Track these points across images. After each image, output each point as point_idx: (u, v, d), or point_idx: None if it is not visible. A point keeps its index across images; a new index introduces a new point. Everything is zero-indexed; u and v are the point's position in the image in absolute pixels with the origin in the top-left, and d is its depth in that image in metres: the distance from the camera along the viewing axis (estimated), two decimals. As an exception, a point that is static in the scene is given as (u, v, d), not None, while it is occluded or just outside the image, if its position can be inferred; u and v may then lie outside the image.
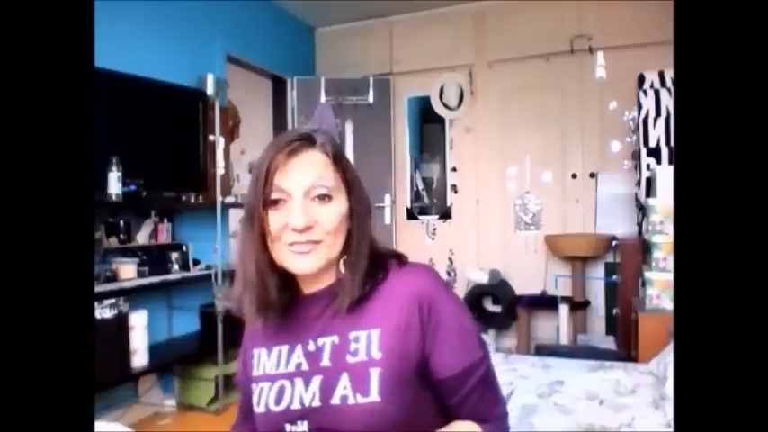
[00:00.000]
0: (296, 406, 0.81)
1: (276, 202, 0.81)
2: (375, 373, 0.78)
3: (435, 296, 0.83)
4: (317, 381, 0.81)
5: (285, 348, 0.87)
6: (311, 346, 0.84)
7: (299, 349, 0.85)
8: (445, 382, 0.82)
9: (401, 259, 0.88)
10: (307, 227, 0.79)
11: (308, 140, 0.83)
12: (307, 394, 0.81)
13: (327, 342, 0.83)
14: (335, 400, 0.79)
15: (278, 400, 0.83)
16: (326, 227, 0.80)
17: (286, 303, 0.87)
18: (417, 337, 0.81)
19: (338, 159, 0.83)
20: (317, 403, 0.80)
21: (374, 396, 0.77)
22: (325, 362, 0.82)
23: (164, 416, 3.12)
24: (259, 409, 0.86)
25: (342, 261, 0.84)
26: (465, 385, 0.83)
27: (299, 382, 0.83)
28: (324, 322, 0.84)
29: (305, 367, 0.83)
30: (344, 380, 0.79)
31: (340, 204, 0.82)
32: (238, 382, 0.97)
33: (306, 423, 0.80)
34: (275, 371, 0.86)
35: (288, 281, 0.86)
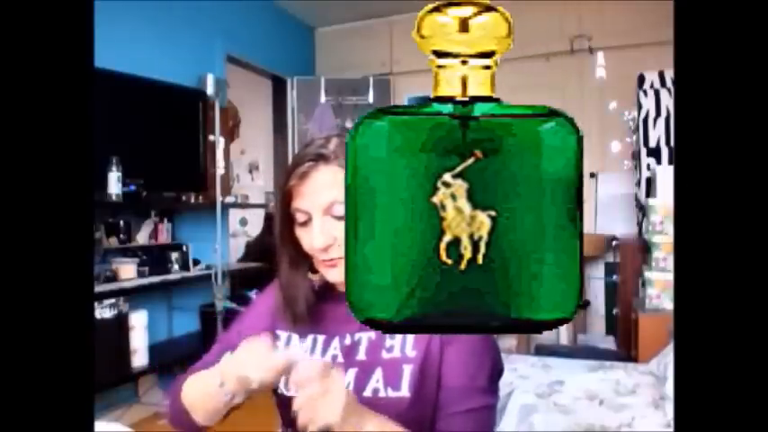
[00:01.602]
0: None
1: (304, 222, 0.83)
2: (407, 370, 0.81)
3: None
4: (351, 373, 0.84)
5: (321, 338, 0.89)
6: (347, 340, 0.87)
7: (335, 341, 0.88)
8: (442, 391, 0.82)
9: None
10: (326, 246, 0.81)
11: (321, 158, 0.81)
12: None
13: (364, 337, 0.86)
14: (367, 393, 0.81)
15: None
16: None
17: (323, 294, 0.90)
18: (443, 341, 0.83)
19: None
20: None
21: (404, 391, 0.80)
22: (361, 356, 0.85)
23: (164, 416, 3.11)
24: (288, 392, 0.87)
25: None
26: (459, 405, 0.81)
27: None
28: None
29: (340, 359, 0.86)
30: (378, 374, 0.82)
31: None
32: (229, 341, 0.92)
33: None
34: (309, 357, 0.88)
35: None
